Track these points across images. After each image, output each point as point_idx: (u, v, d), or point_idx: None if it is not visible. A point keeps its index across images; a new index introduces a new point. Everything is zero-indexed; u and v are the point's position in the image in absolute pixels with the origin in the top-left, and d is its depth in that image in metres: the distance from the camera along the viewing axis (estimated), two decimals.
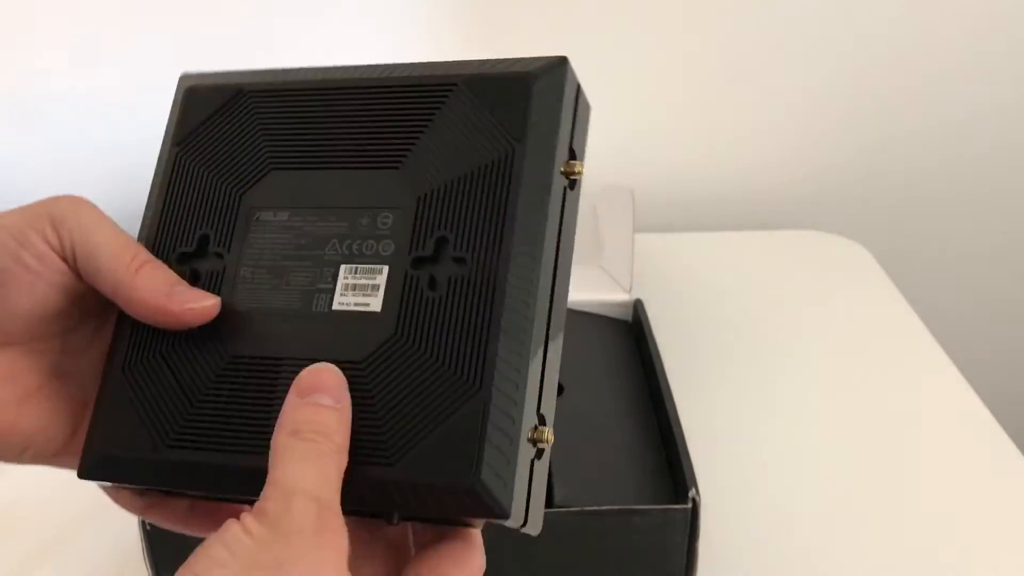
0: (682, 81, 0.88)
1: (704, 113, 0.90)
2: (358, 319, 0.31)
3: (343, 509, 0.27)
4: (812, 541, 0.52)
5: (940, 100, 0.90)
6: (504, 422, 0.29)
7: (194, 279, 0.33)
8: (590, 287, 0.68)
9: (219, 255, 0.33)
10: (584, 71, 0.92)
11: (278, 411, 0.28)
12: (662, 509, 0.44)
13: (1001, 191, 0.95)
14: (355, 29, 0.85)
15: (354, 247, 0.32)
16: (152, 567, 0.44)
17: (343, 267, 0.32)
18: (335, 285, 0.32)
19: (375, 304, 0.31)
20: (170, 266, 0.32)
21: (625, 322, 0.67)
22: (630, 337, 0.64)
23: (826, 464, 0.58)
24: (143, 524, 0.42)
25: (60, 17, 0.82)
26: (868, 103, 0.90)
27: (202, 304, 0.32)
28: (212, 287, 0.33)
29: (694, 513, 0.44)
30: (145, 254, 0.32)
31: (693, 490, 0.44)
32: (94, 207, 0.32)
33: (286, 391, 0.29)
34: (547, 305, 0.31)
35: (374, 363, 0.30)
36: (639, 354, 0.62)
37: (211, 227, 0.34)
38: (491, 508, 0.28)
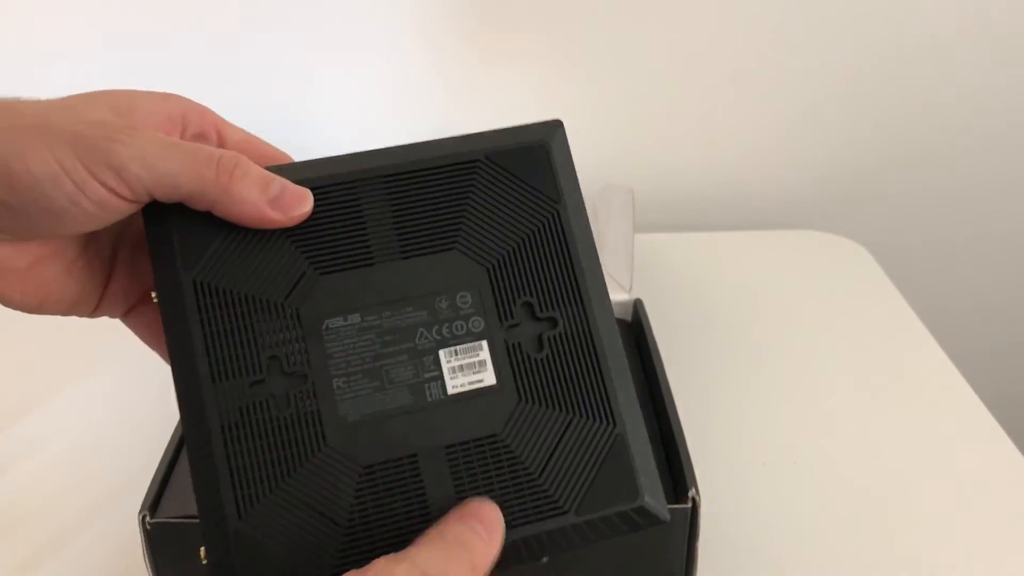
0: (682, 81, 0.88)
1: (704, 113, 0.90)
2: (478, 396, 0.33)
3: (520, 560, 0.32)
4: (812, 541, 0.52)
5: (940, 100, 0.90)
6: (640, 445, 0.34)
7: (281, 408, 0.31)
8: None
9: (301, 375, 0.32)
10: (585, 71, 0.93)
11: (433, 503, 0.31)
12: None
13: (1001, 191, 0.95)
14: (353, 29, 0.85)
15: (444, 330, 0.33)
16: (152, 567, 0.44)
17: (442, 352, 0.33)
18: (441, 371, 0.33)
19: (488, 378, 0.33)
20: (244, 397, 0.31)
21: (625, 322, 0.67)
22: (630, 337, 0.64)
23: (826, 464, 0.58)
24: (143, 524, 0.42)
25: (62, 17, 0.83)
26: (868, 103, 0.90)
27: (303, 210, 0.32)
28: (307, 410, 0.31)
29: (694, 513, 0.44)
30: (220, 156, 0.31)
31: (693, 490, 0.44)
32: (144, 133, 0.30)
33: (434, 483, 0.31)
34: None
35: (512, 431, 0.33)
36: (639, 354, 0.61)
37: (277, 347, 0.32)
38: (657, 518, 0.33)
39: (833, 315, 0.75)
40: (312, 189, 0.33)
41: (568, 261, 0.35)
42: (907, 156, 0.93)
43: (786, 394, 0.65)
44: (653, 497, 0.33)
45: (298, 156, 0.37)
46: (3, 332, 0.72)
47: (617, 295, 0.67)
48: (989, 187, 0.95)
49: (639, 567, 0.46)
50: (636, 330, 0.64)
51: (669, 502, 0.46)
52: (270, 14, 0.84)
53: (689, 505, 0.44)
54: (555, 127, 0.37)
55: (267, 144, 0.36)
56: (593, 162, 0.91)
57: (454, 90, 0.89)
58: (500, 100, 0.89)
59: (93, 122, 0.30)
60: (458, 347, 0.33)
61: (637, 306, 0.65)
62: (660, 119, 0.91)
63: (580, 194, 0.36)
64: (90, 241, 0.34)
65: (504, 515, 0.31)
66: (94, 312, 0.36)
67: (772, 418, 0.62)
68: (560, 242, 0.35)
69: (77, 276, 0.34)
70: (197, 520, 0.31)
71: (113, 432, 0.61)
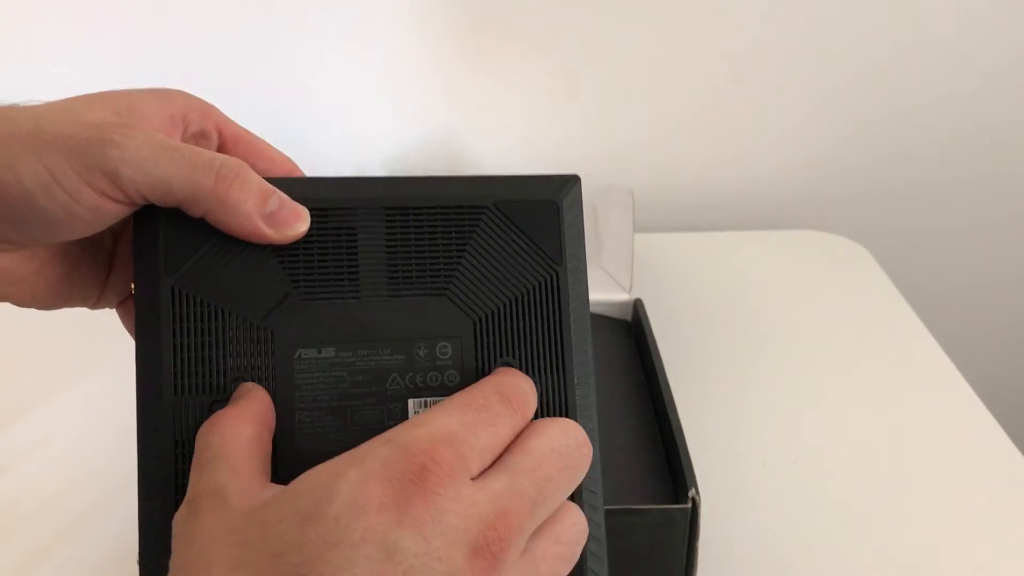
0: (682, 81, 0.88)
1: (704, 113, 0.90)
2: None
3: None
4: (812, 541, 0.52)
5: (940, 99, 0.90)
6: (596, 530, 0.32)
7: None
8: (590, 287, 0.68)
9: None
10: (585, 71, 0.93)
11: None
12: (662, 509, 0.44)
13: (1001, 191, 0.95)
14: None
15: (418, 379, 0.32)
16: None
17: (411, 401, 0.32)
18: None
19: None
20: (205, 414, 0.30)
21: (625, 322, 0.67)
22: (630, 337, 0.64)
23: (826, 464, 0.58)
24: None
25: (61, 19, 0.83)
26: (868, 103, 0.90)
27: (298, 230, 0.31)
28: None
29: (694, 513, 0.44)
30: (219, 166, 0.30)
31: (693, 490, 0.44)
32: (138, 136, 0.29)
33: None
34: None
35: None
36: (639, 354, 0.61)
37: (245, 370, 0.31)
38: None
39: (833, 315, 0.75)
40: (310, 209, 0.32)
41: (558, 328, 0.33)
42: (907, 156, 0.93)
43: (786, 394, 0.65)
44: None
45: (293, 157, 0.36)
46: (3, 332, 0.73)
47: (617, 295, 0.67)
48: (989, 187, 0.95)
49: (639, 567, 0.46)
50: (636, 330, 0.64)
51: (669, 502, 0.46)
52: (269, 17, 0.84)
53: (689, 505, 0.44)
54: (572, 183, 0.35)
55: (269, 145, 0.36)
56: (593, 162, 0.91)
57: (453, 90, 0.89)
58: (500, 100, 0.89)
59: (88, 124, 0.29)
60: (429, 399, 0.32)
61: (637, 306, 0.65)
62: (660, 119, 0.91)
63: (584, 258, 0.35)
64: (92, 241, 0.34)
65: None
66: (96, 304, 0.36)
67: (772, 418, 0.62)
68: (554, 306, 0.33)
69: (83, 273, 0.34)
70: None
71: (113, 432, 0.61)
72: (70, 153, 0.28)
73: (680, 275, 0.81)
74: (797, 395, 0.65)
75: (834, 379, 0.67)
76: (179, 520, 0.26)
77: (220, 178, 0.30)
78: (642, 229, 0.86)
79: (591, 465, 0.31)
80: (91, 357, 0.69)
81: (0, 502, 0.56)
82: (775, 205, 0.96)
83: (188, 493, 0.27)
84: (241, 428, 0.28)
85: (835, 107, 0.90)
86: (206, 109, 0.35)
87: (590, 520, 0.31)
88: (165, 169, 0.29)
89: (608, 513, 0.43)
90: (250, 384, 0.30)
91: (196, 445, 0.28)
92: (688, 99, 0.90)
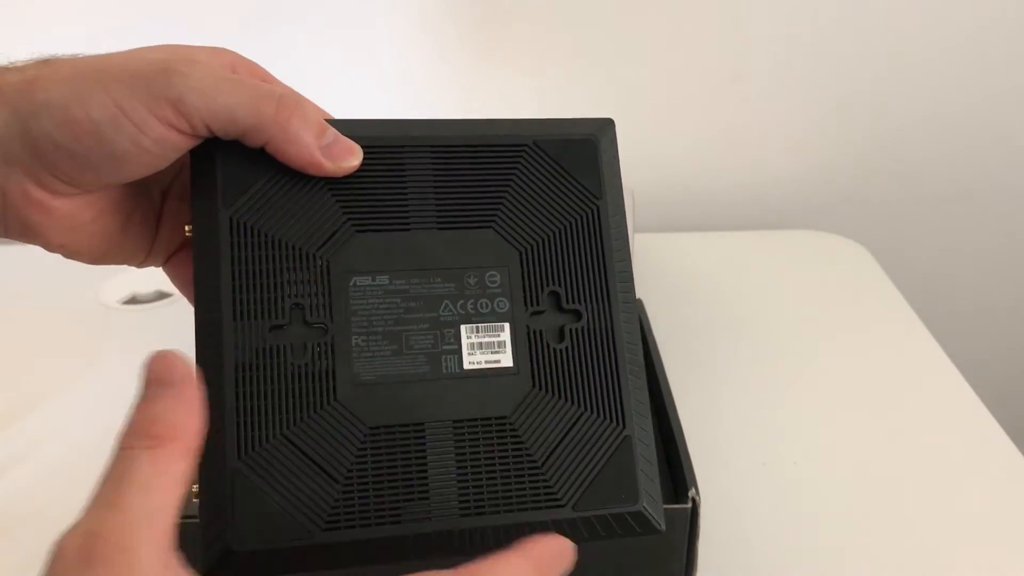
0: (682, 81, 0.88)
1: (704, 113, 0.90)
2: (493, 376, 0.33)
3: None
4: (812, 541, 0.52)
5: (939, 99, 0.90)
6: (646, 450, 0.34)
7: (297, 356, 0.31)
8: None
9: (321, 326, 0.32)
10: (586, 71, 0.93)
11: (433, 475, 0.31)
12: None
13: (1000, 191, 0.95)
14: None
15: (469, 306, 0.34)
16: None
17: (463, 327, 0.33)
18: (460, 345, 0.33)
19: (506, 360, 0.33)
20: (263, 339, 0.31)
21: None
22: None
23: (825, 464, 0.58)
24: None
25: (60, 20, 0.83)
26: (867, 103, 0.90)
27: (351, 163, 0.33)
28: (323, 361, 0.32)
29: (694, 513, 0.44)
30: (280, 95, 0.31)
31: (693, 490, 0.44)
32: (201, 67, 0.30)
33: (436, 455, 0.31)
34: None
35: (521, 416, 0.33)
36: None
37: (302, 296, 0.32)
38: (654, 526, 0.33)
39: (833, 315, 0.75)
40: (362, 147, 0.33)
41: (601, 258, 0.35)
42: (907, 156, 0.93)
43: (786, 394, 0.65)
44: (652, 505, 0.33)
45: None
46: (3, 332, 0.72)
47: None
48: (989, 187, 0.95)
49: (639, 566, 0.46)
50: None
51: (669, 502, 0.46)
52: (272, 11, 0.84)
53: (689, 505, 0.44)
54: (606, 125, 0.37)
55: (315, 104, 0.37)
56: None
57: (456, 90, 0.89)
58: (502, 100, 0.89)
59: (152, 60, 0.30)
60: (480, 324, 0.34)
61: (637, 306, 0.65)
62: (661, 119, 0.91)
63: (622, 194, 0.36)
64: (144, 193, 0.35)
65: (500, 499, 0.31)
66: (143, 262, 0.37)
67: (772, 418, 0.62)
68: (596, 238, 0.35)
69: (135, 226, 0.35)
70: (197, 520, 0.30)
71: (114, 432, 0.61)
72: (136, 85, 0.29)
73: (680, 275, 0.81)
74: (797, 395, 0.65)
75: (834, 379, 0.67)
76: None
77: (281, 106, 0.31)
78: (642, 229, 0.86)
79: (639, 393, 0.34)
80: (91, 357, 0.68)
81: (0, 502, 0.56)
82: (775, 205, 0.96)
83: None
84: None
85: (836, 108, 0.90)
86: (253, 66, 0.36)
87: (638, 434, 0.33)
88: (228, 96, 0.30)
89: None
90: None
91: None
92: (690, 100, 0.90)
